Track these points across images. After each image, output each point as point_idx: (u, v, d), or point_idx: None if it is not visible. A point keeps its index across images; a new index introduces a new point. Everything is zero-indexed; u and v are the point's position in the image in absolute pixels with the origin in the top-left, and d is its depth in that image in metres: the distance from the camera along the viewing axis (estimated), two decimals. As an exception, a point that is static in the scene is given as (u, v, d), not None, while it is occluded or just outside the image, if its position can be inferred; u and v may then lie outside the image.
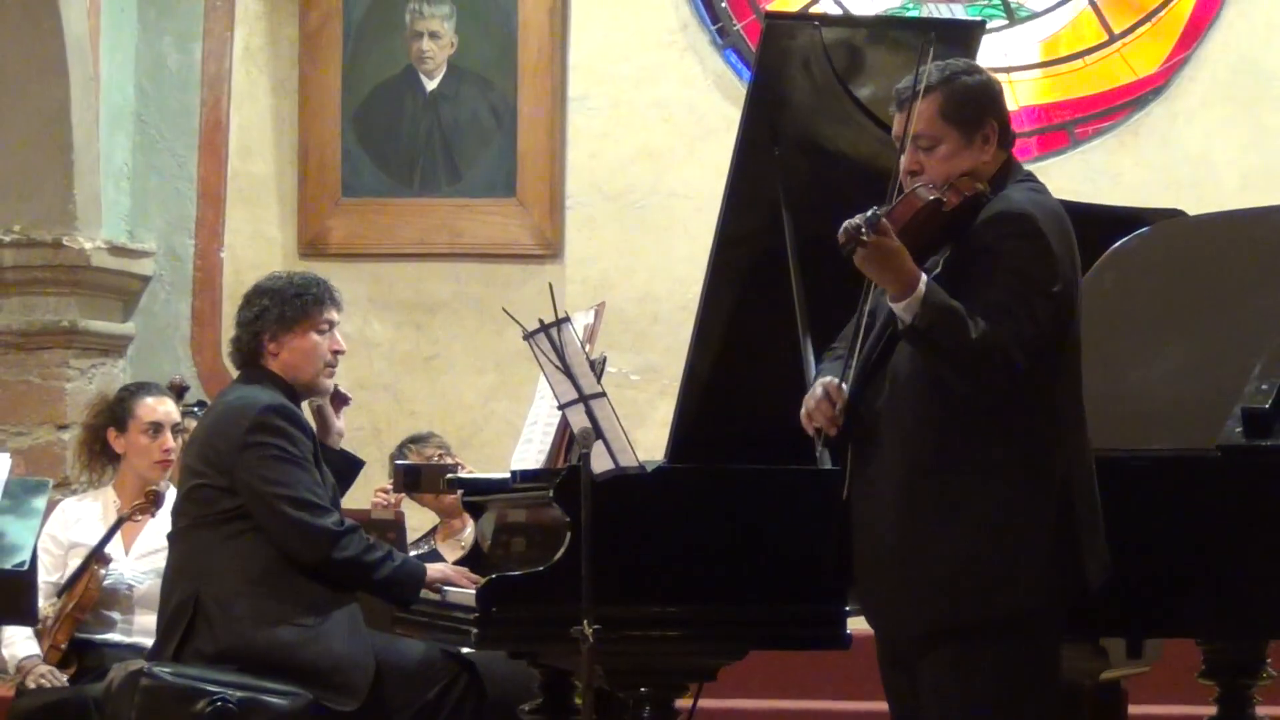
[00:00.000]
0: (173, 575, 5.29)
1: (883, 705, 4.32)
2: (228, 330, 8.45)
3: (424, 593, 5.15)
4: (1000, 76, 4.59)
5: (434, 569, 5.19)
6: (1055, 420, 4.04)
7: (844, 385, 4.14)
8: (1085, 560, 4.05)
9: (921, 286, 3.93)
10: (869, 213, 3.93)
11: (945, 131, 4.12)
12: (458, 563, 5.32)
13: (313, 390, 5.32)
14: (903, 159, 4.15)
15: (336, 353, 5.34)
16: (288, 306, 5.27)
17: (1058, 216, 4.10)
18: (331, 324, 5.32)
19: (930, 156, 4.12)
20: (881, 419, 4.09)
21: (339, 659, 5.07)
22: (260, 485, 5.08)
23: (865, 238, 3.88)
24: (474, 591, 4.65)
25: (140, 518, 6.07)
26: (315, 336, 5.28)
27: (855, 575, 4.25)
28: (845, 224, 3.92)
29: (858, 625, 4.60)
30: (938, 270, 4.05)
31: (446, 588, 5.08)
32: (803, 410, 4.18)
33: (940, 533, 3.99)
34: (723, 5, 8.65)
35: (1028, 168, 4.32)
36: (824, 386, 4.16)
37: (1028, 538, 3.98)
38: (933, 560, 4.00)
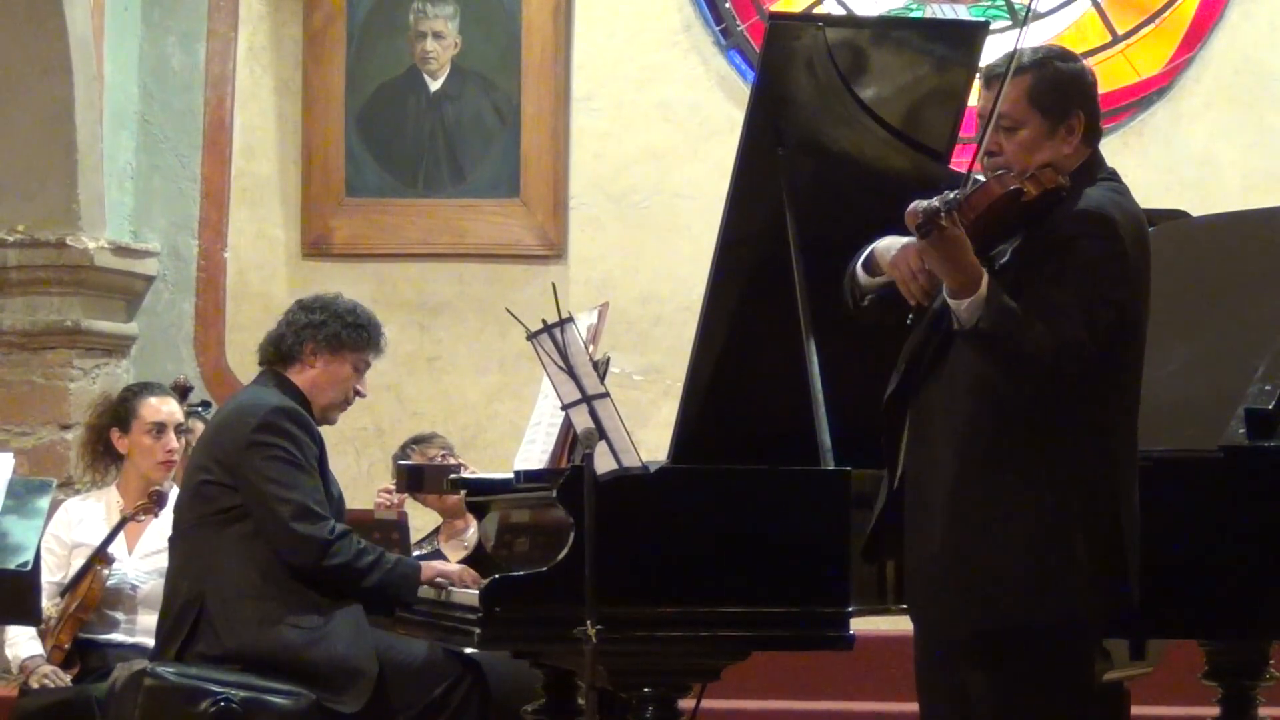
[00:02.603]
0: (175, 576, 5.30)
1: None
2: (232, 330, 8.58)
3: (427, 591, 5.15)
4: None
5: (429, 566, 5.19)
6: (1108, 430, 3.97)
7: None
8: (1130, 572, 4.00)
9: (984, 285, 3.84)
10: (948, 196, 3.79)
11: (1029, 116, 4.01)
12: (460, 563, 5.31)
13: (322, 417, 5.34)
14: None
15: (358, 393, 5.37)
16: (345, 331, 5.31)
17: (1138, 223, 4.01)
18: (368, 366, 5.37)
19: (1010, 139, 4.00)
20: (936, 417, 4.03)
21: (342, 660, 5.08)
22: (259, 484, 5.09)
23: (944, 222, 3.75)
24: (477, 591, 4.66)
25: (143, 518, 6.07)
26: (350, 370, 5.32)
27: (904, 573, 4.20)
28: (921, 204, 3.79)
29: (861, 626, 4.60)
30: (1005, 259, 3.95)
31: (451, 587, 5.08)
32: (899, 273, 3.99)
33: (989, 536, 3.93)
34: (726, 6, 8.64)
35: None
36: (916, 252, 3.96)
37: (1076, 545, 3.92)
38: (981, 563, 3.94)
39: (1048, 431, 3.92)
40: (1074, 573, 3.93)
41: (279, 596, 5.09)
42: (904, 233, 3.96)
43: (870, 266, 4.13)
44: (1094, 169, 4.09)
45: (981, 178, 4.03)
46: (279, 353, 5.32)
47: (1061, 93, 4.04)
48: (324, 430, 5.36)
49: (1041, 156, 4.01)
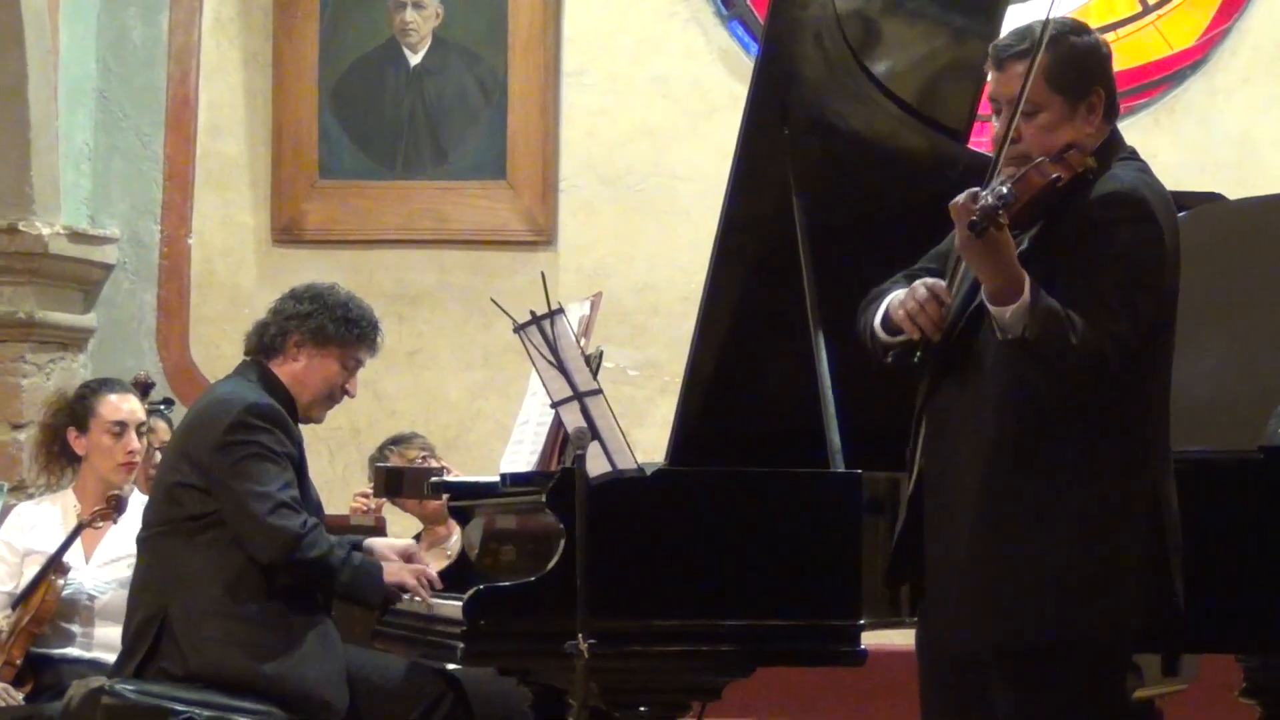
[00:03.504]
0: (139, 586, 5.30)
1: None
2: (196, 322, 8.58)
3: (408, 604, 5.14)
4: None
5: (389, 570, 5.17)
6: (1144, 425, 3.98)
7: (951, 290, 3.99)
8: (1174, 575, 3.99)
9: (1027, 291, 3.82)
10: (1003, 189, 3.78)
11: (1049, 97, 4.01)
12: (442, 573, 5.31)
13: (305, 414, 5.34)
14: (996, 124, 4.05)
15: (346, 392, 5.36)
16: (334, 325, 5.30)
17: (1167, 203, 4.02)
18: (359, 365, 5.36)
19: (1029, 123, 4.01)
20: (957, 413, 4.03)
21: (312, 685, 5.07)
22: (232, 482, 5.10)
23: (1003, 219, 3.74)
24: (460, 603, 4.66)
25: (102, 524, 6.07)
26: (338, 367, 5.31)
27: (928, 581, 4.17)
28: (973, 201, 3.76)
29: (874, 640, 4.60)
30: (1024, 246, 3.95)
31: (434, 600, 5.07)
32: (900, 309, 4.02)
33: (1022, 542, 3.92)
34: (728, -27, 8.66)
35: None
36: (929, 286, 4.00)
37: (1119, 549, 3.92)
38: (1013, 571, 3.93)
39: (1083, 426, 3.92)
40: (1121, 577, 3.93)
41: (247, 616, 5.08)
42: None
43: (890, 326, 4.12)
44: (1115, 147, 4.11)
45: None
46: (262, 343, 5.33)
47: (1079, 70, 4.05)
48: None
49: (1063, 138, 4.02)
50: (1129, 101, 8.48)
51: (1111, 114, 4.11)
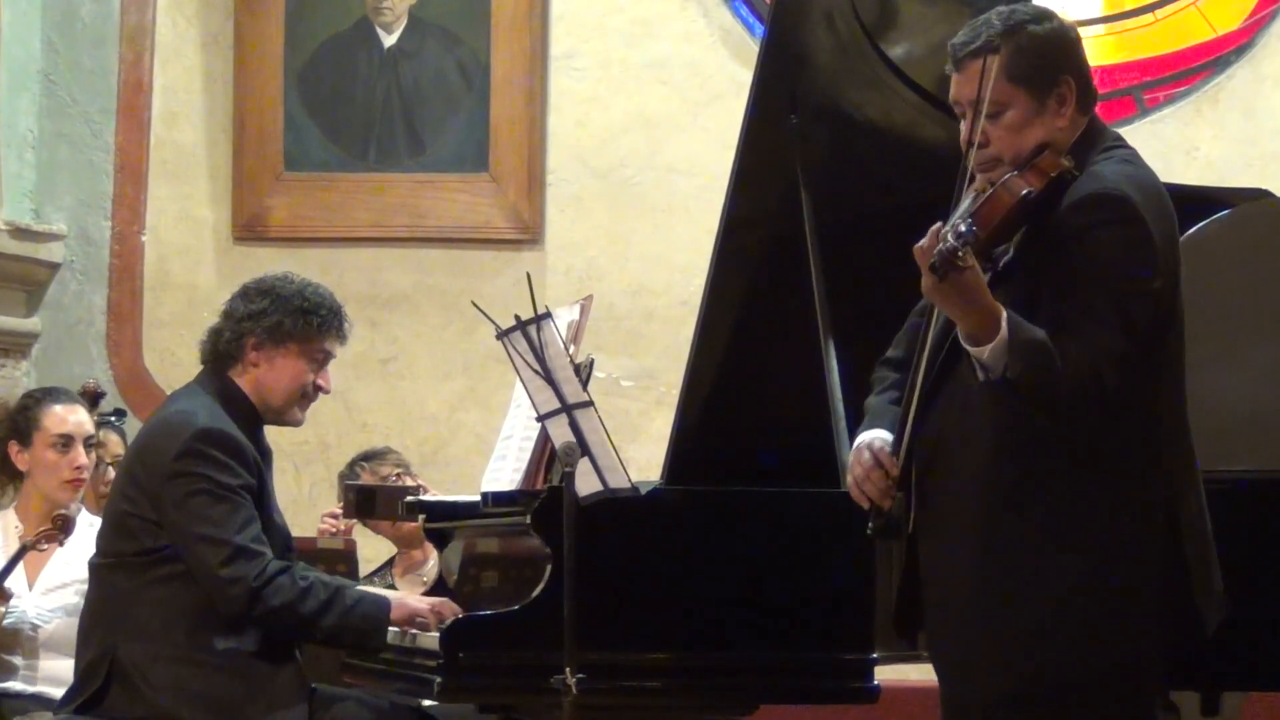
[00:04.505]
0: (89, 619, 5.28)
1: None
2: (149, 326, 8.59)
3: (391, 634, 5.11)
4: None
5: (402, 605, 5.11)
6: (1156, 436, 3.99)
7: (902, 442, 4.05)
8: (1198, 599, 4.00)
9: (1004, 325, 3.83)
10: (962, 225, 3.78)
11: (1012, 94, 4.03)
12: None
13: (280, 419, 5.30)
14: (962, 128, 4.08)
15: (320, 389, 5.31)
16: (289, 319, 5.23)
17: (1157, 194, 4.03)
18: (328, 357, 5.30)
19: (996, 125, 4.03)
20: (949, 444, 4.03)
21: None
22: (181, 520, 5.04)
23: (961, 262, 3.75)
24: (436, 634, 4.66)
25: (46, 546, 6.06)
26: (303, 364, 5.25)
27: (927, 624, 4.17)
28: (932, 245, 3.79)
29: (888, 675, 4.61)
30: (1009, 257, 3.98)
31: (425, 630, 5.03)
32: (849, 476, 4.11)
33: (1026, 577, 3.93)
34: (732, -52, 8.68)
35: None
36: (873, 451, 4.08)
37: (1131, 578, 3.93)
38: (1018, 609, 3.94)
39: (1086, 452, 3.93)
40: (1131, 614, 3.93)
41: (202, 661, 5.04)
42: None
43: None
44: (1096, 138, 4.12)
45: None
46: (216, 353, 5.30)
47: (1042, 60, 4.06)
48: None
49: (1034, 136, 4.04)
50: (1168, 89, 8.51)
51: (1087, 103, 4.12)
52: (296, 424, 5.38)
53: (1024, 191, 3.92)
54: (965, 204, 3.96)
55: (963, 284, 3.80)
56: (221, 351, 5.27)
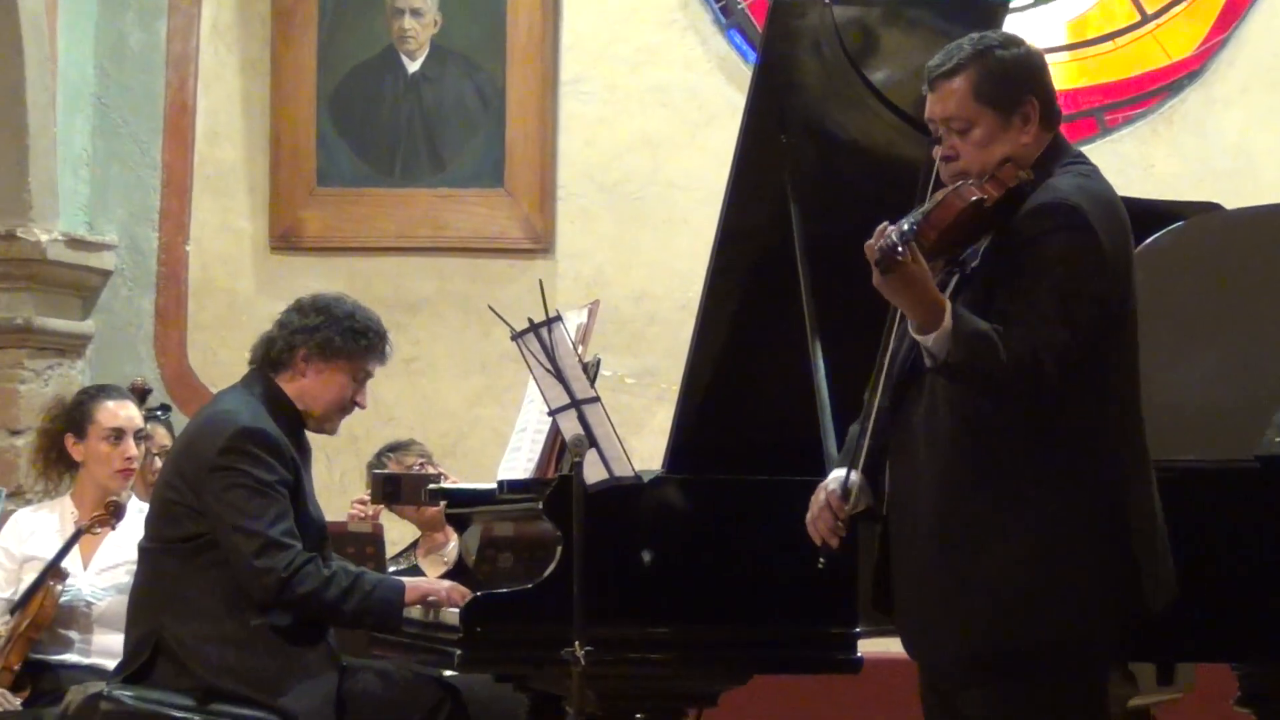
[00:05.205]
0: (138, 597, 5.29)
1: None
2: (193, 329, 8.59)
3: (414, 611, 5.12)
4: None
5: (414, 587, 5.14)
6: (1104, 429, 4.00)
7: (851, 482, 4.10)
8: (1143, 580, 4.00)
9: (948, 316, 3.87)
10: (904, 225, 3.85)
11: (979, 113, 4.06)
12: (442, 579, 5.32)
13: (319, 427, 5.32)
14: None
15: (357, 404, 5.33)
16: (341, 337, 5.25)
17: (1109, 205, 4.04)
18: (368, 376, 5.33)
19: (965, 141, 4.06)
20: (916, 430, 4.06)
21: (309, 711, 5.05)
22: (222, 513, 5.06)
23: (901, 258, 3.81)
24: (457, 609, 4.67)
25: (100, 530, 6.07)
26: (347, 379, 5.28)
27: (894, 599, 4.20)
28: (877, 241, 3.84)
29: (871, 648, 4.62)
30: (975, 262, 4.01)
31: (441, 606, 5.05)
32: (808, 514, 4.18)
33: (979, 554, 3.95)
34: (726, -18, 8.67)
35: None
36: (826, 494, 4.14)
37: (1075, 556, 3.94)
38: (972, 584, 3.96)
39: (1037, 439, 3.95)
40: (1076, 586, 3.94)
41: (241, 637, 5.05)
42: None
43: None
44: (1058, 154, 4.13)
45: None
46: (269, 358, 5.30)
47: (1008, 82, 4.08)
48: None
49: (999, 151, 4.06)
50: (1127, 111, 8.51)
51: (1051, 122, 4.13)
52: (332, 433, 5.42)
53: (974, 197, 3.95)
54: (923, 207, 3.98)
55: (906, 277, 3.84)
56: (273, 358, 5.28)
